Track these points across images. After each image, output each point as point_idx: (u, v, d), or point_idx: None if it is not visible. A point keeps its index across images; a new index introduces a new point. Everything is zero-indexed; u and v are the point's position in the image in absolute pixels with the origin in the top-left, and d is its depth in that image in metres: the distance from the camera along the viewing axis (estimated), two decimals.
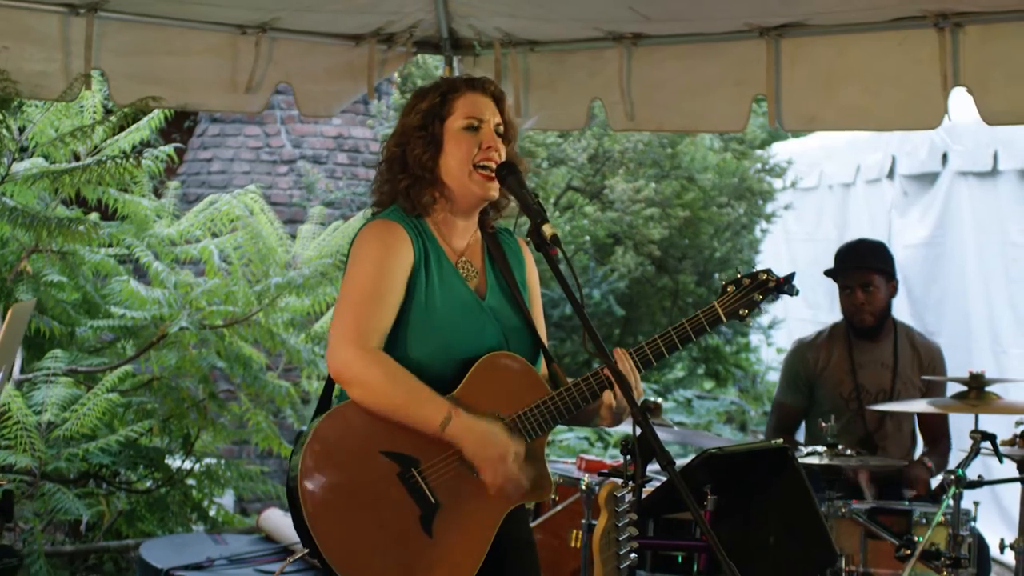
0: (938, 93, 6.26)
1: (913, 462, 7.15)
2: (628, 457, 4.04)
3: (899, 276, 11.20)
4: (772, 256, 14.71)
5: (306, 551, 4.30)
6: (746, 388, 14.32)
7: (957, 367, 9.32)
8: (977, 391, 6.06)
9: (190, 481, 8.48)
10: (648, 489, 4.91)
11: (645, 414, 3.92)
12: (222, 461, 8.67)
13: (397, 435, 4.19)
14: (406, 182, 4.40)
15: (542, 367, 4.54)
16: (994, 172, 9.88)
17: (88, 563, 8.05)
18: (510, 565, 4.43)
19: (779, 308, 13.84)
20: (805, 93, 6.70)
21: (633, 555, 3.99)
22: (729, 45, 6.86)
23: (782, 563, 4.60)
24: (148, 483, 8.35)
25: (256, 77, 7.13)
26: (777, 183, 13.82)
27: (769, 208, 13.63)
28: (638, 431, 3.95)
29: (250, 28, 7.04)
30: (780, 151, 14.55)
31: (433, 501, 4.20)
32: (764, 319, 13.94)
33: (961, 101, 6.35)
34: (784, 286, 4.48)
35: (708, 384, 14.32)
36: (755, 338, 14.72)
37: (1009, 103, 6.18)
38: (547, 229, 4.22)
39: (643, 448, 3.91)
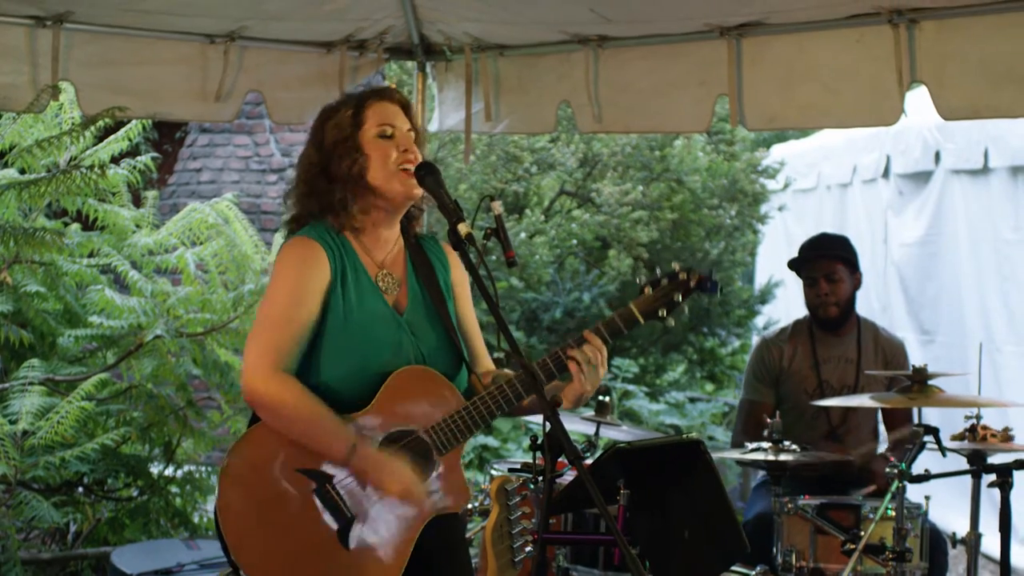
0: (895, 89, 6.24)
1: (876, 457, 7.14)
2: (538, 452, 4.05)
3: (896, 275, 11.30)
4: (772, 256, 14.70)
5: (229, 571, 4.36)
6: None
7: (953, 366, 9.34)
8: (920, 385, 6.03)
9: (173, 489, 8.53)
10: None
11: (555, 409, 3.93)
12: (203, 468, 8.70)
13: (312, 452, 4.26)
14: (340, 194, 4.45)
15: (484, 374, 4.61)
16: (985, 170, 9.86)
17: (67, 570, 8.08)
18: (438, 569, 4.47)
19: (778, 310, 13.81)
20: (766, 92, 6.70)
21: (528, 548, 4.01)
22: (692, 46, 6.88)
23: (696, 556, 4.61)
24: (133, 491, 8.41)
25: (226, 86, 7.16)
26: (772, 184, 13.81)
27: (763, 209, 13.61)
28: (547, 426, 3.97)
29: (218, 37, 7.07)
30: (779, 152, 14.55)
31: (349, 515, 4.27)
32: (760, 320, 13.92)
33: None
34: (706, 283, 4.45)
35: (709, 387, 14.30)
36: (753, 340, 14.69)
37: (965, 98, 6.17)
38: (462, 228, 4.24)
39: (552, 444, 3.91)
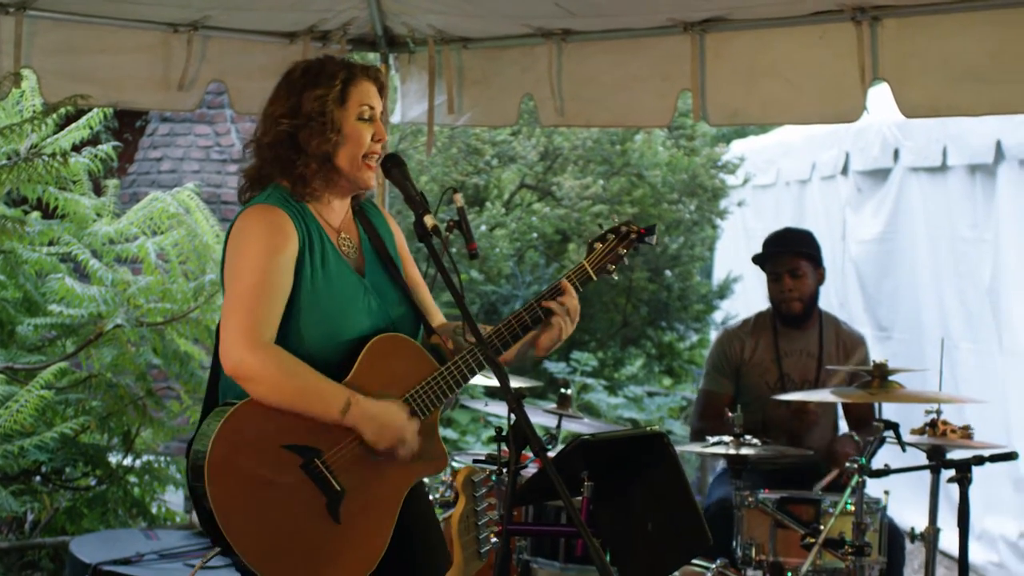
0: (857, 86, 6.29)
1: (840, 437, 7.19)
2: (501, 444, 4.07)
3: (853, 271, 11.38)
4: (730, 251, 14.79)
5: (218, 550, 4.34)
6: None
7: (910, 362, 9.40)
8: (880, 380, 6.08)
9: (132, 478, 8.51)
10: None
11: (520, 400, 3.94)
12: (162, 458, 8.70)
13: (297, 428, 4.24)
14: (302, 168, 4.42)
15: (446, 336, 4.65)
16: (943, 167, 9.93)
17: (25, 559, 8.07)
18: (416, 540, 4.52)
19: (738, 305, 13.86)
20: (729, 87, 6.74)
21: (494, 539, 4.03)
22: (655, 40, 6.91)
23: (659, 548, 4.63)
24: (91, 480, 8.39)
25: (189, 75, 7.14)
26: (731, 180, 13.87)
27: (723, 205, 13.67)
28: (512, 418, 3.99)
29: (182, 26, 7.05)
30: (738, 148, 14.62)
31: (338, 488, 4.27)
32: (718, 315, 13.98)
33: None
34: (645, 236, 4.59)
35: (667, 381, 14.34)
36: (712, 335, 14.74)
37: (926, 96, 6.22)
38: (428, 220, 4.27)
39: (517, 435, 3.93)
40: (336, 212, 4.54)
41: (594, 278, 4.58)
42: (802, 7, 6.39)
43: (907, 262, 10.64)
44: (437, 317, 4.73)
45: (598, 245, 4.58)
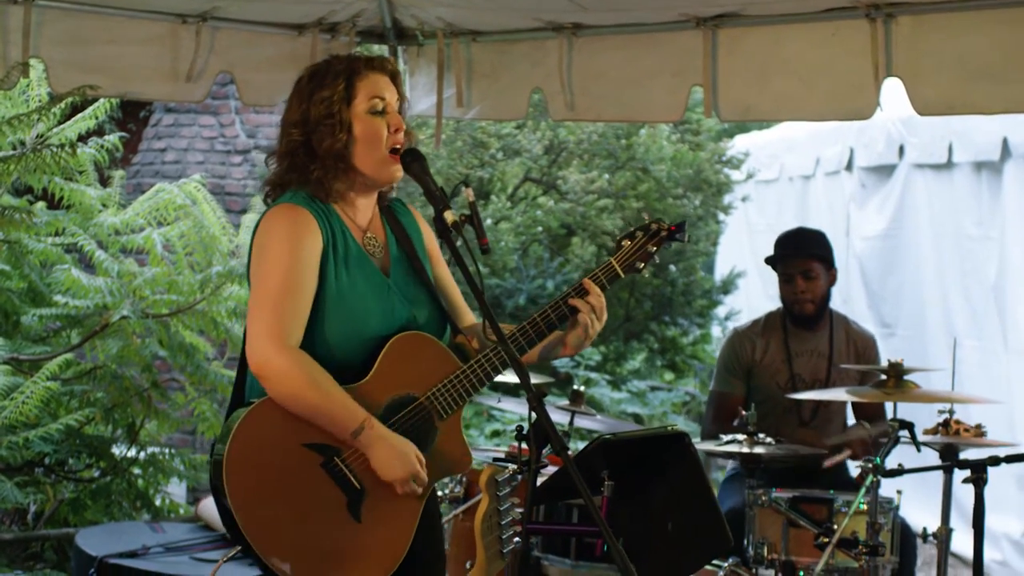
0: (870, 83, 6.25)
1: (851, 427, 7.19)
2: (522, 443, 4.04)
3: (857, 268, 11.36)
4: (733, 247, 14.77)
5: (238, 547, 4.31)
6: (705, 380, 14.31)
7: (914, 359, 9.39)
8: (895, 379, 6.06)
9: (136, 470, 8.49)
10: None
11: (540, 399, 3.92)
12: (167, 450, 8.67)
13: (317, 427, 4.21)
14: (318, 172, 4.39)
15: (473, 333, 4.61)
16: (949, 164, 9.92)
17: (29, 551, 8.05)
18: (416, 554, 4.43)
19: (740, 300, 13.87)
20: (741, 83, 6.70)
21: (517, 539, 4.01)
22: (667, 36, 6.87)
23: (679, 548, 4.62)
24: (95, 472, 8.37)
25: (197, 66, 7.09)
26: (735, 175, 13.85)
27: (727, 200, 13.64)
28: (533, 416, 3.96)
29: (191, 17, 7.01)
30: (742, 143, 14.60)
31: (359, 487, 4.24)
32: (721, 310, 13.97)
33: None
34: (676, 234, 4.56)
35: (668, 376, 14.32)
36: (714, 330, 14.75)
37: (940, 93, 6.18)
38: (449, 216, 4.23)
39: (538, 434, 3.91)
40: (362, 211, 4.50)
41: (622, 275, 4.53)
42: (816, 4, 6.35)
43: (912, 259, 10.62)
44: (467, 317, 4.71)
45: (626, 243, 4.54)
